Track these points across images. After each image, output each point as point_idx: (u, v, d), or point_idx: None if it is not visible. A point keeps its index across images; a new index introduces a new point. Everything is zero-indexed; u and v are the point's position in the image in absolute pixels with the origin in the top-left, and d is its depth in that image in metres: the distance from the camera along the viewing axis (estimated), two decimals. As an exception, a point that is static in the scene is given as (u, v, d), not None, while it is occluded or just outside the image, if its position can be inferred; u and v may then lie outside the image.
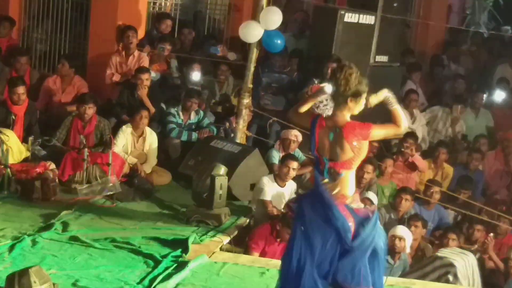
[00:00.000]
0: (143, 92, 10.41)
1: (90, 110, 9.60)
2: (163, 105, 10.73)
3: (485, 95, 12.90)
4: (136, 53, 11.06)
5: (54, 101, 10.75)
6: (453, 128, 12.17)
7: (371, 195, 9.22)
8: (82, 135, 9.48)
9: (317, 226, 5.77)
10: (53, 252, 7.20)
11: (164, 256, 7.26)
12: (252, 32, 9.92)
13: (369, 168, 9.77)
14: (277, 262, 7.29)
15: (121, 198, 8.94)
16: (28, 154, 9.35)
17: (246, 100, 10.23)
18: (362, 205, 5.96)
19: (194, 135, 10.34)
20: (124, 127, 9.80)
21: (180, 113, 10.40)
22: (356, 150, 5.73)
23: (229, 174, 8.86)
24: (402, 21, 12.35)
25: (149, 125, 9.99)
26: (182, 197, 9.19)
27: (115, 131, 9.82)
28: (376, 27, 11.18)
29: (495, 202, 10.27)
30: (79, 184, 8.99)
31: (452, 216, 10.15)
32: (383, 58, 11.44)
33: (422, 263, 8.24)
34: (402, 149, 10.58)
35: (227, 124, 10.73)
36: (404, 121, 5.88)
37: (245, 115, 10.29)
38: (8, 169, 8.77)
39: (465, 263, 7.71)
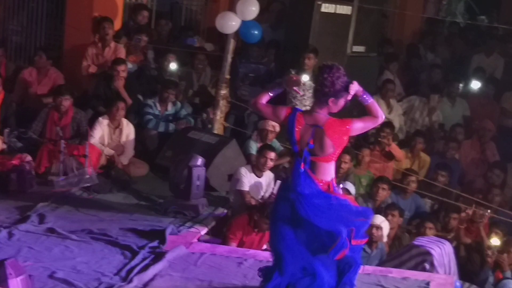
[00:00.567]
0: (119, 84, 10.37)
1: (66, 101, 9.55)
2: (140, 97, 10.70)
3: (461, 85, 12.96)
4: (112, 44, 11.00)
5: (30, 93, 10.68)
6: (430, 118, 12.22)
7: (349, 185, 9.24)
8: (58, 127, 9.43)
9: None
10: (29, 244, 7.16)
11: (142, 247, 7.25)
12: (229, 23, 9.91)
13: (346, 158, 9.80)
14: (255, 252, 7.36)
15: (98, 189, 8.92)
16: (4, 146, 9.30)
17: (224, 91, 10.23)
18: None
19: (172, 126, 10.32)
20: (100, 118, 9.77)
21: (157, 104, 10.38)
22: (337, 145, 5.88)
23: (207, 164, 8.86)
24: (379, 11, 12.37)
25: (126, 116, 9.95)
26: (159, 188, 9.17)
27: (91, 122, 9.78)
28: (353, 17, 11.20)
29: (472, 191, 10.33)
30: (55, 176, 8.95)
31: (429, 205, 10.20)
32: (360, 48, 11.47)
33: (399, 251, 8.29)
34: (379, 139, 10.62)
35: (205, 115, 10.72)
36: (380, 111, 6.00)
37: (223, 106, 10.29)
38: (-16, 162, 8.73)
39: (442, 252, 7.75)
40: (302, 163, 5.92)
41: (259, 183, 9.03)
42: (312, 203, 5.91)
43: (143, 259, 6.98)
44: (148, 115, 10.27)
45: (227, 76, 10.21)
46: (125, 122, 9.85)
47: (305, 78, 10.18)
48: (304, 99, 9.55)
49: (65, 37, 11.43)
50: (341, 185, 9.03)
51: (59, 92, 9.66)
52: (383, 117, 6.05)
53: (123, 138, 9.81)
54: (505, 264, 8.58)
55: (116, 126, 9.80)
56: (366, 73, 11.51)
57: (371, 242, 8.49)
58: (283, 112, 6.05)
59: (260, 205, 8.34)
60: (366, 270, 7.14)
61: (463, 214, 9.26)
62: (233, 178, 9.07)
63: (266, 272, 6.19)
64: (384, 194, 9.56)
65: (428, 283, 6.86)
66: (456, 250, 8.61)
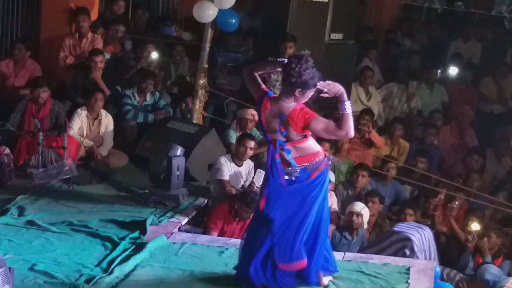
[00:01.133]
0: (97, 74, 10.33)
1: (44, 93, 9.51)
2: (118, 87, 10.66)
3: (439, 71, 13.01)
4: (89, 35, 10.94)
5: (7, 85, 10.62)
6: (409, 104, 12.26)
7: (329, 172, 9.23)
8: (36, 119, 9.39)
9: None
10: (9, 237, 7.14)
11: (122, 238, 7.24)
12: (206, 12, 9.89)
13: (326, 145, 9.79)
14: (236, 241, 7.37)
15: (77, 181, 8.89)
16: (-18, 139, 9.25)
17: (202, 81, 10.21)
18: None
19: (150, 117, 10.30)
20: (79, 110, 9.73)
21: (136, 95, 10.34)
22: (305, 131, 5.90)
23: (186, 154, 8.84)
24: (356, -2, 12.37)
25: (105, 107, 9.92)
26: (139, 179, 9.15)
27: (70, 114, 9.75)
28: (331, 5, 11.17)
29: (451, 176, 10.38)
30: (34, 168, 8.91)
31: (409, 191, 10.25)
32: (338, 36, 11.44)
33: (379, 238, 8.32)
34: (359, 126, 10.63)
35: (184, 105, 10.70)
36: (349, 127, 5.87)
37: (201, 96, 10.27)
38: (-38, 155, 8.68)
39: (422, 237, 7.79)
40: (277, 154, 5.93)
41: (239, 172, 9.03)
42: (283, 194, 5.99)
43: (124, 250, 6.96)
44: (126, 105, 10.24)
45: (205, 66, 10.19)
46: (103, 113, 9.81)
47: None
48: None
49: (42, 28, 11.37)
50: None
51: (37, 84, 9.61)
52: (350, 135, 5.96)
53: (102, 129, 9.78)
54: (485, 249, 8.63)
55: (94, 117, 9.76)
56: (344, 61, 11.52)
57: (352, 229, 8.53)
58: (259, 92, 6.09)
59: (240, 194, 8.33)
60: (347, 257, 7.19)
61: (436, 199, 9.30)
62: (213, 167, 9.06)
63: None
64: (364, 181, 9.59)
65: (408, 269, 6.89)
66: (436, 236, 8.65)
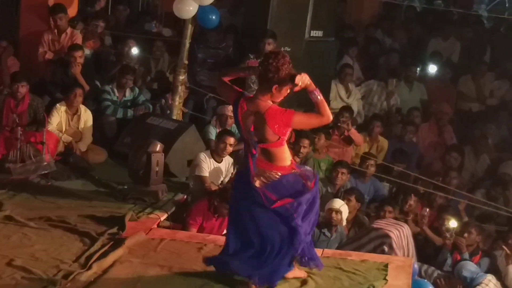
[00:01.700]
0: (76, 70, 10.30)
1: (23, 88, 9.45)
2: (98, 83, 10.62)
3: (418, 69, 13.07)
4: (68, 30, 10.89)
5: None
6: (388, 102, 12.31)
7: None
8: (15, 114, 9.34)
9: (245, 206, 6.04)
10: (-13, 233, 7.10)
11: (100, 234, 7.20)
12: (186, 8, 9.85)
13: (305, 142, 9.84)
14: (215, 237, 7.37)
15: (56, 176, 8.85)
16: (-40, 134, 9.19)
17: (182, 77, 10.18)
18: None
19: (130, 112, 10.27)
20: (58, 105, 9.68)
21: (115, 90, 10.31)
22: (280, 133, 5.87)
23: (166, 150, 8.82)
24: (336, -5, 12.40)
25: (84, 102, 9.88)
26: (118, 175, 9.11)
27: (49, 109, 9.70)
28: (311, 2, 11.17)
29: (430, 174, 10.43)
30: (12, 163, 8.82)
31: (387, 188, 10.28)
32: (318, 33, 11.45)
33: (358, 235, 8.34)
34: (338, 124, 10.66)
35: (163, 100, 10.68)
36: (328, 111, 5.92)
37: (181, 92, 10.24)
38: None
39: (400, 234, 7.81)
40: (253, 149, 5.93)
41: (219, 169, 9.03)
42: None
43: (102, 246, 6.93)
44: (106, 101, 10.20)
45: (185, 62, 10.16)
46: (83, 108, 9.78)
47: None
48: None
49: (21, 24, 11.29)
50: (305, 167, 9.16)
51: (16, 78, 9.55)
52: (330, 118, 5.96)
53: (81, 125, 9.74)
54: (463, 246, 8.67)
55: (74, 113, 9.72)
56: (325, 58, 11.53)
57: (331, 226, 8.54)
58: (233, 94, 6.06)
59: (219, 191, 8.34)
60: (326, 254, 7.18)
61: (407, 205, 9.33)
62: (193, 163, 9.05)
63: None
64: (343, 178, 9.61)
65: (386, 265, 6.91)
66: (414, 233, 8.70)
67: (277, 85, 5.85)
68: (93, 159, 9.60)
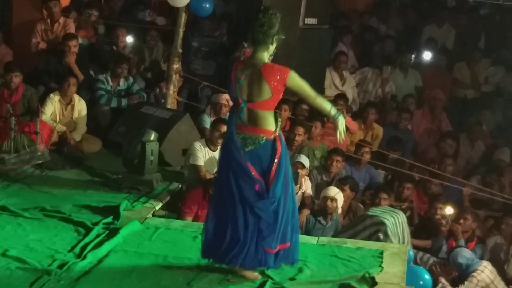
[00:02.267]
0: (70, 59, 10.27)
1: (16, 78, 9.42)
2: (92, 72, 10.59)
3: (413, 56, 13.05)
4: (61, 20, 10.85)
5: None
6: (383, 89, 12.29)
7: (303, 158, 9.25)
8: (9, 104, 9.29)
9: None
10: (-19, 223, 7.09)
11: (95, 224, 7.21)
12: (180, -4, 9.82)
13: (300, 130, 9.83)
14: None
15: (50, 166, 8.83)
16: (-47, 125, 9.15)
17: (176, 65, 10.15)
18: None
19: (124, 102, 10.23)
20: (52, 94, 9.66)
21: (109, 80, 10.27)
22: (275, 91, 5.86)
23: (160, 139, 8.81)
24: (331, -17, 12.36)
25: (78, 92, 9.85)
26: (113, 164, 9.10)
27: (43, 99, 9.67)
28: (305, -11, 11.16)
29: (426, 161, 10.43)
30: (6, 153, 8.79)
31: (383, 176, 10.28)
32: (312, 21, 11.42)
33: (353, 222, 8.34)
34: (334, 111, 10.62)
35: (157, 89, 10.66)
36: (327, 103, 6.08)
37: (175, 80, 10.22)
38: None
39: (395, 221, 7.81)
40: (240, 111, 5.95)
41: (213, 157, 8.99)
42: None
43: (97, 235, 6.93)
44: (100, 90, 10.17)
45: (179, 50, 10.13)
46: (77, 98, 9.75)
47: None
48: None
49: (13, 13, 11.26)
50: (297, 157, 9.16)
51: (9, 68, 9.52)
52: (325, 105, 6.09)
53: (75, 114, 9.71)
54: (459, 233, 8.68)
55: (68, 102, 9.70)
56: (319, 46, 11.51)
57: (326, 214, 8.53)
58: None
59: (214, 179, 8.30)
60: (321, 242, 7.20)
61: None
62: (187, 152, 9.03)
63: None
64: (338, 166, 9.59)
65: (381, 253, 6.92)
66: (410, 220, 8.70)
67: (272, 38, 5.90)
68: (88, 149, 9.59)
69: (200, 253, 6.30)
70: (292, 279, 6.29)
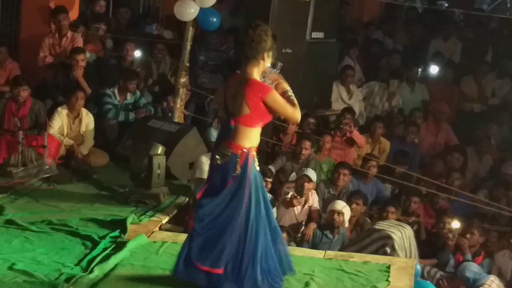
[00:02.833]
0: (78, 73, 10.30)
1: (24, 92, 9.44)
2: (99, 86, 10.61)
3: (420, 69, 13.06)
4: (69, 34, 10.88)
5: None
6: (390, 103, 12.29)
7: (310, 172, 9.25)
8: (16, 117, 9.32)
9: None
10: (-12, 237, 7.10)
11: (102, 237, 7.21)
12: (187, 10, 9.85)
13: (307, 144, 9.83)
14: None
15: (58, 180, 8.85)
16: (-38, 138, 9.18)
17: (183, 79, 10.18)
18: None
19: (131, 115, 10.26)
20: (59, 108, 9.69)
21: (116, 94, 10.30)
22: (253, 107, 5.88)
23: (167, 153, 8.82)
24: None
25: (86, 106, 9.88)
26: (120, 178, 9.11)
27: (51, 113, 9.70)
28: (312, 3, 11.17)
29: (433, 174, 10.41)
30: (14, 167, 8.84)
31: (389, 190, 10.27)
32: (319, 35, 11.45)
33: (360, 236, 8.33)
34: (341, 125, 10.65)
35: (165, 103, 10.68)
36: (298, 110, 6.03)
37: (183, 94, 10.24)
38: None
39: (402, 235, 7.80)
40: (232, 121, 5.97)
41: (220, 171, 8.99)
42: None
43: (104, 249, 6.94)
44: (107, 104, 10.20)
45: (187, 64, 10.16)
46: (84, 111, 9.78)
47: (269, 70, 10.17)
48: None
49: (22, 27, 11.31)
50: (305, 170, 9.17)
51: (17, 82, 9.54)
52: (299, 119, 6.14)
53: (83, 128, 9.74)
54: (466, 247, 8.66)
55: (75, 116, 9.73)
56: (326, 59, 11.52)
57: (333, 227, 8.53)
58: None
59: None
60: (328, 255, 7.20)
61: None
62: (194, 166, 9.04)
63: None
64: (345, 179, 9.58)
65: (389, 267, 6.91)
66: (417, 234, 8.68)
67: (267, 52, 5.94)
68: (95, 162, 9.60)
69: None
70: (299, 293, 6.29)
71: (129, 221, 7.62)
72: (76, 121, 9.73)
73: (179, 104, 10.22)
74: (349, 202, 8.92)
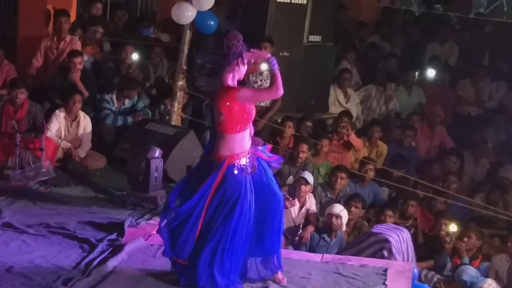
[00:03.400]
0: (76, 76, 10.29)
1: (21, 94, 9.43)
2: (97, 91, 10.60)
3: (417, 73, 13.07)
4: (68, 37, 10.88)
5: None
6: (387, 106, 12.31)
7: (307, 174, 9.26)
8: (14, 120, 9.32)
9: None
10: (-15, 240, 7.09)
11: (100, 240, 7.20)
12: (185, 14, 9.86)
13: (304, 147, 9.85)
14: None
15: (55, 183, 8.84)
16: (-42, 141, 9.18)
17: (181, 82, 10.18)
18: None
19: (130, 119, 10.25)
20: (57, 111, 9.68)
21: (114, 100, 10.27)
22: (226, 112, 5.94)
23: (165, 156, 8.82)
24: (334, 0, 12.41)
25: (83, 109, 9.87)
26: (117, 181, 9.11)
27: (48, 115, 9.69)
28: (309, 7, 11.21)
29: (430, 178, 10.41)
30: (11, 170, 8.81)
31: (387, 193, 10.28)
32: (316, 38, 11.49)
33: (357, 239, 8.33)
34: (338, 129, 10.66)
35: (162, 106, 10.66)
36: (280, 84, 5.98)
37: (180, 97, 10.24)
38: None
39: (400, 238, 7.80)
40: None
41: (217, 174, 8.99)
42: None
43: (102, 252, 6.92)
44: (105, 110, 10.18)
45: (184, 67, 10.16)
46: (82, 114, 9.77)
47: (264, 67, 10.18)
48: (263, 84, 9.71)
49: (19, 29, 11.31)
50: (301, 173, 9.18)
51: (14, 85, 9.53)
52: (280, 91, 6.01)
53: (80, 131, 9.74)
54: (463, 250, 8.67)
55: (73, 119, 9.72)
56: (323, 63, 11.56)
57: (331, 231, 8.54)
58: None
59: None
60: (325, 259, 7.19)
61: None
62: (191, 169, 9.03)
63: None
64: (342, 183, 9.59)
65: (386, 270, 6.91)
66: (414, 237, 8.69)
67: (240, 58, 5.96)
68: (92, 165, 9.60)
69: None
70: (296, 296, 6.29)
71: (126, 224, 7.59)
72: (73, 124, 9.73)
73: (177, 107, 10.22)
74: (348, 206, 8.94)
